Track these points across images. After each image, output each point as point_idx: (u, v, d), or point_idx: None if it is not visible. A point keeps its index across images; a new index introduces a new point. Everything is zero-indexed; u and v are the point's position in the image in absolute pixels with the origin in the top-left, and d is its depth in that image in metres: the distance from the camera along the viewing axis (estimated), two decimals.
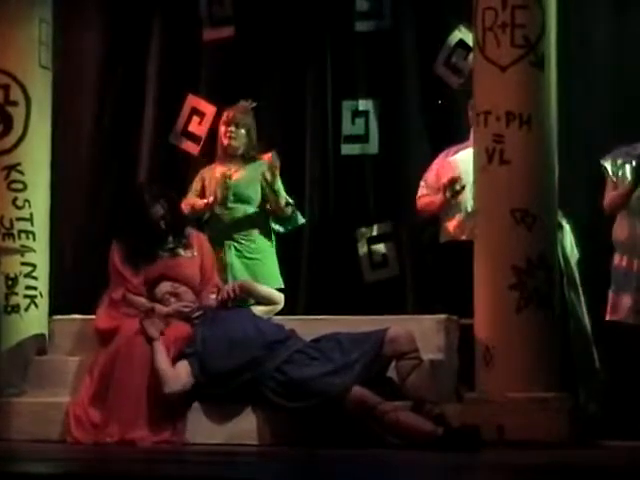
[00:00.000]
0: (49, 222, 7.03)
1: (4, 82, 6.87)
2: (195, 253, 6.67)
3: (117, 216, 7.26)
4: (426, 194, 7.04)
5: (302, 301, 7.58)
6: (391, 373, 5.95)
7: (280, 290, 6.94)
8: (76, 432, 6.14)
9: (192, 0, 8.05)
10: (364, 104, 7.88)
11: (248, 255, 7.06)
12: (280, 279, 7.14)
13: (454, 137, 7.59)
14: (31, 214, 6.86)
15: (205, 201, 7.03)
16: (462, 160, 6.92)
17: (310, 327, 6.31)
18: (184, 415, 6.10)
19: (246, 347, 6.08)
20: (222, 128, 7.21)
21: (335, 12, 7.91)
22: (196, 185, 7.24)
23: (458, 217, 6.97)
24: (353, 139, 7.86)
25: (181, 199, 7.30)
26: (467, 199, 6.86)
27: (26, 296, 6.81)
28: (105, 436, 6.04)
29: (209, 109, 7.98)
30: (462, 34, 7.60)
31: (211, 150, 7.70)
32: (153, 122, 8.17)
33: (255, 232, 7.11)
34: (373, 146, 7.87)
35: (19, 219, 6.82)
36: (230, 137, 7.15)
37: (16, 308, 6.78)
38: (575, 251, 6.70)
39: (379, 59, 7.92)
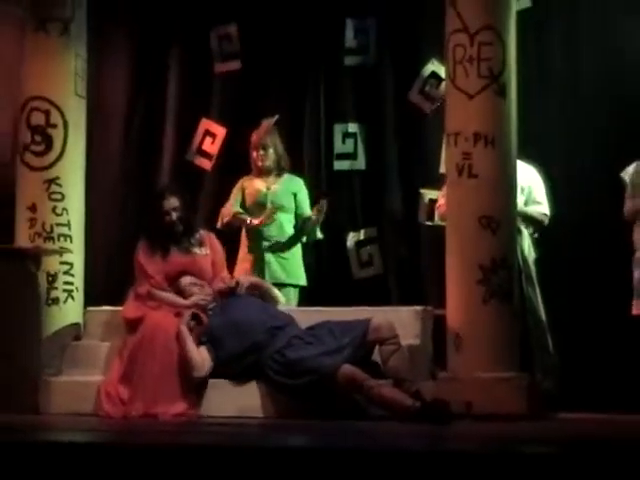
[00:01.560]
0: (84, 227, 7.01)
1: (45, 108, 6.84)
2: (208, 251, 6.62)
3: (141, 221, 7.24)
4: (444, 203, 6.89)
5: (300, 294, 7.54)
6: (375, 357, 5.93)
7: (302, 288, 7.01)
8: (106, 407, 6.11)
9: (205, 37, 8.02)
10: (353, 127, 7.87)
11: (282, 255, 7.03)
12: (305, 278, 7.14)
13: (426, 154, 7.62)
14: (68, 220, 6.84)
15: (254, 222, 6.98)
16: None
17: (307, 316, 6.29)
18: (199, 391, 6.08)
19: (251, 333, 6.04)
20: (253, 153, 7.13)
21: (327, 49, 7.90)
22: (237, 195, 7.16)
23: None
24: (344, 157, 7.85)
25: (195, 205, 7.31)
26: None
27: (64, 290, 6.80)
28: (132, 410, 6.02)
29: (220, 130, 7.98)
30: (434, 67, 7.59)
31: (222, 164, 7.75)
32: (172, 142, 8.16)
33: (287, 235, 7.08)
34: (361, 163, 7.86)
35: (58, 224, 6.80)
36: (262, 159, 7.09)
37: (56, 301, 6.76)
38: (532, 252, 6.69)
39: (364, 88, 7.91)
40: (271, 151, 7.12)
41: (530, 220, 6.81)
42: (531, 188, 6.87)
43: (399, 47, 7.88)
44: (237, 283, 6.39)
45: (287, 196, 7.12)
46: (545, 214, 6.87)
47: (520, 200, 6.63)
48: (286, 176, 7.18)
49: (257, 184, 7.13)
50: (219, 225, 7.17)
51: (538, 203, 6.87)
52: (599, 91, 7.44)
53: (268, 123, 7.21)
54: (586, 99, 7.45)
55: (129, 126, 8.28)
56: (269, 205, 7.03)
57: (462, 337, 6.14)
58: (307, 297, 7.53)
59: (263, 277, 6.91)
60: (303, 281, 7.15)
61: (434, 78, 7.61)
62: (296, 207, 7.14)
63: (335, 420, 5.39)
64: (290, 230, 7.13)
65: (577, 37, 7.56)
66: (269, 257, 7.03)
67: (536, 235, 6.87)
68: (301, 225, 7.12)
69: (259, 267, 6.99)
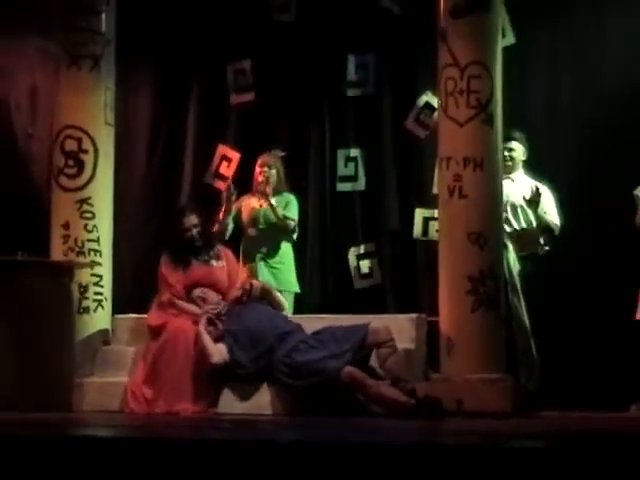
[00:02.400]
0: (112, 242, 7.01)
1: (78, 135, 6.85)
2: (224, 263, 6.63)
3: (164, 236, 7.25)
4: None
5: (306, 303, 7.55)
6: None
7: (295, 294, 6.95)
8: (132, 405, 6.14)
9: (222, 72, 8.04)
10: (354, 152, 7.88)
11: (273, 264, 7.03)
12: (297, 285, 7.12)
13: (420, 176, 7.63)
14: (98, 237, 6.84)
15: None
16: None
17: (312, 322, 6.29)
18: (216, 391, 6.09)
19: (262, 339, 6.05)
20: (257, 169, 7.16)
21: (331, 81, 7.92)
22: (233, 211, 7.15)
23: None
24: (346, 179, 7.86)
25: (213, 222, 7.32)
26: (509, 218, 6.82)
27: (94, 300, 6.80)
28: (155, 408, 6.04)
29: (235, 155, 7.98)
30: (428, 98, 7.60)
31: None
32: (192, 165, 8.18)
33: (278, 247, 7.07)
34: (361, 184, 7.87)
35: (89, 240, 6.80)
36: (264, 176, 7.10)
37: (87, 309, 6.76)
38: (517, 265, 6.69)
39: (365, 117, 7.93)
40: (273, 172, 7.12)
41: (545, 229, 6.84)
42: (543, 203, 6.89)
43: (396, 80, 7.91)
44: (251, 285, 6.40)
45: (277, 211, 7.05)
46: (556, 224, 6.89)
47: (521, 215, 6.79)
48: (280, 195, 7.15)
49: (252, 202, 7.14)
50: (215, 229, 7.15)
51: (549, 215, 6.89)
52: (575, 120, 7.47)
53: (277, 152, 7.23)
54: (563, 127, 7.48)
55: (153, 151, 8.30)
56: (260, 221, 7.04)
57: (453, 342, 6.14)
58: (313, 305, 7.56)
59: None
60: (295, 288, 7.11)
61: (428, 108, 7.61)
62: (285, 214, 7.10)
63: (338, 417, 5.39)
64: (281, 242, 7.10)
65: (555, 71, 7.61)
66: (261, 266, 7.02)
67: (547, 248, 6.87)
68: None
69: (254, 276, 6.96)
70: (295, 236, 7.21)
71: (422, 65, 7.49)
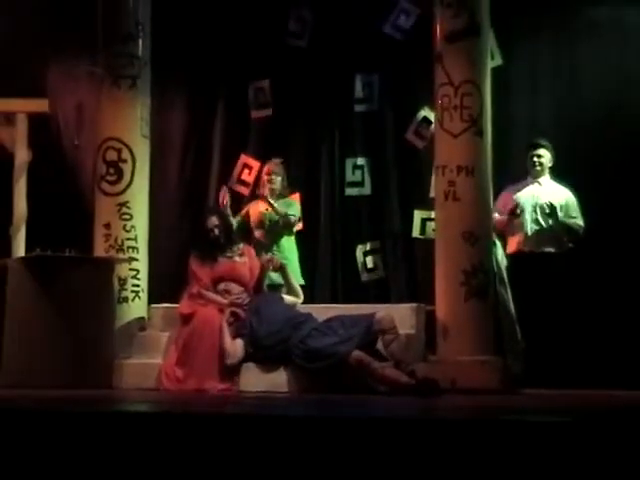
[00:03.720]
0: (148, 240, 7.01)
1: (118, 147, 6.86)
2: (246, 259, 6.62)
3: (194, 235, 7.25)
4: (498, 218, 6.87)
5: (318, 294, 7.55)
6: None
7: (301, 286, 6.90)
8: (165, 383, 6.13)
9: (244, 90, 8.04)
10: (361, 160, 7.86)
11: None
12: (301, 278, 7.07)
13: (419, 182, 7.61)
14: (136, 235, 6.85)
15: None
16: (521, 195, 6.90)
17: (323, 312, 6.27)
18: (239, 372, 6.09)
19: (279, 327, 6.05)
20: (265, 177, 7.16)
21: (341, 99, 7.89)
22: (242, 213, 7.21)
23: (519, 235, 6.87)
24: (353, 184, 7.83)
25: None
26: (527, 223, 6.82)
27: (132, 291, 6.81)
28: (185, 386, 6.03)
29: (255, 164, 7.96)
30: (426, 112, 7.57)
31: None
32: (217, 173, 8.16)
33: (283, 244, 7.04)
34: (367, 189, 7.84)
35: (127, 239, 6.81)
36: (271, 182, 7.09)
37: (125, 299, 6.77)
38: (504, 259, 6.66)
39: (370, 130, 7.91)
40: (278, 179, 7.10)
41: (568, 230, 6.82)
42: (567, 205, 6.86)
43: (398, 97, 7.88)
44: (281, 266, 6.41)
45: (282, 214, 7.03)
46: (580, 225, 6.86)
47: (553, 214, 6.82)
48: (283, 199, 7.14)
49: (260, 207, 7.11)
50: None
51: (573, 217, 6.86)
52: (557, 131, 7.46)
53: (279, 160, 7.23)
54: (544, 137, 7.45)
55: (183, 160, 8.29)
56: (267, 223, 7.04)
57: (448, 328, 6.13)
58: (324, 296, 7.54)
59: (268, 279, 6.82)
60: (300, 280, 6.99)
61: (425, 121, 7.59)
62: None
63: (347, 395, 5.38)
64: (285, 240, 7.07)
65: (537, 89, 7.60)
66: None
67: (571, 245, 6.85)
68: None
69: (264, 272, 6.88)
70: (294, 230, 7.16)
71: (420, 84, 7.45)
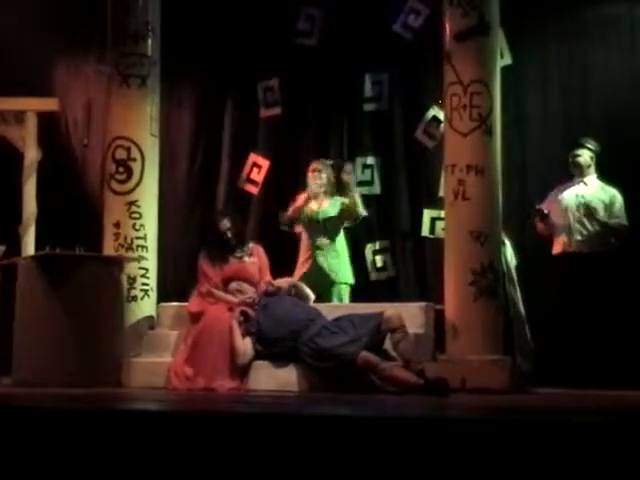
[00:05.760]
0: (157, 239, 7.01)
1: (127, 145, 6.86)
2: (255, 259, 6.62)
3: (203, 234, 7.26)
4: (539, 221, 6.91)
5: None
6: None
7: (350, 285, 6.98)
8: (174, 382, 6.13)
9: (253, 89, 8.04)
10: (371, 159, 7.86)
11: (332, 260, 6.98)
12: (352, 277, 7.07)
13: (428, 181, 7.61)
14: (145, 234, 6.84)
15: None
16: (566, 194, 6.86)
17: (332, 311, 6.27)
18: (248, 371, 6.08)
19: (288, 325, 6.04)
20: (309, 174, 7.12)
21: (350, 98, 7.91)
22: (299, 199, 7.11)
23: (564, 236, 6.82)
24: (363, 183, 7.83)
25: (246, 223, 7.31)
26: (571, 223, 6.77)
27: (141, 290, 6.80)
28: (194, 385, 6.04)
29: (264, 163, 7.98)
30: (435, 112, 7.58)
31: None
32: (227, 172, 8.18)
33: (334, 244, 7.02)
34: (376, 188, 7.85)
35: (137, 238, 6.79)
36: (315, 178, 7.06)
37: (135, 298, 6.76)
38: (514, 259, 6.65)
39: (380, 129, 7.91)
40: (324, 175, 7.07)
41: (612, 231, 6.77)
42: (613, 205, 6.82)
43: (407, 96, 7.89)
44: (278, 288, 6.39)
45: (332, 211, 7.02)
46: (625, 225, 6.80)
47: (600, 214, 6.77)
48: (332, 198, 7.10)
49: (312, 205, 7.06)
50: (286, 219, 7.16)
51: (617, 217, 6.81)
52: (563, 130, 7.46)
53: (325, 161, 7.24)
54: (553, 136, 7.47)
55: (193, 159, 8.31)
56: (320, 218, 6.98)
57: (457, 327, 6.11)
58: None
59: (319, 278, 6.87)
60: (351, 280, 7.05)
61: (435, 121, 7.59)
62: (339, 210, 7.02)
63: (355, 394, 5.38)
64: (337, 239, 7.04)
65: (546, 88, 7.60)
66: (322, 262, 6.95)
67: (617, 244, 6.78)
68: (343, 210, 7.02)
69: (315, 271, 6.93)
70: (342, 229, 7.13)
71: (430, 83, 7.46)
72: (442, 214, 6.82)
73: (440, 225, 7.22)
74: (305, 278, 6.84)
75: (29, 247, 7.66)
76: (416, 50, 7.68)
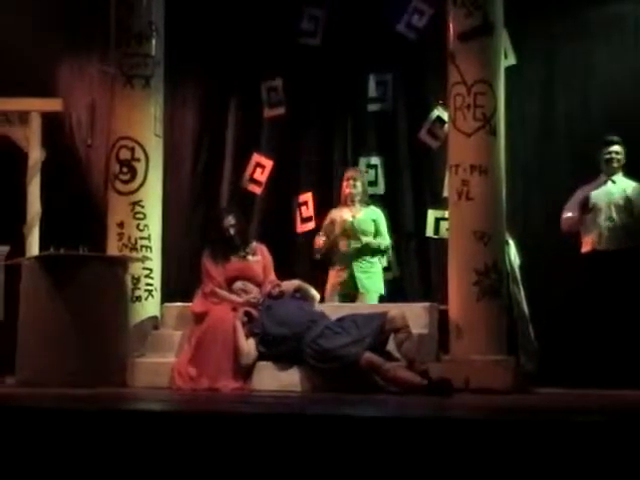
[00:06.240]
0: (161, 239, 7.01)
1: (131, 145, 6.86)
2: (259, 258, 6.61)
3: (206, 234, 7.26)
4: (569, 215, 6.88)
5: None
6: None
7: (380, 296, 7.03)
8: (178, 382, 6.13)
9: (256, 89, 8.04)
10: (374, 160, 7.86)
11: (368, 271, 7.01)
12: (383, 288, 7.11)
13: (432, 181, 7.61)
14: (149, 234, 6.84)
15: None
16: (595, 193, 6.82)
17: (336, 311, 6.27)
18: (252, 371, 6.09)
19: (291, 327, 6.03)
20: (344, 183, 7.14)
21: (354, 98, 7.91)
22: (329, 227, 7.11)
23: (593, 234, 6.79)
24: (367, 184, 7.83)
25: (248, 221, 7.30)
26: (600, 221, 6.75)
27: (145, 290, 6.80)
28: (198, 385, 6.04)
29: (268, 163, 7.98)
30: (439, 112, 7.58)
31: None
32: (230, 172, 8.18)
33: (370, 255, 7.05)
34: (380, 188, 7.84)
35: (141, 238, 6.80)
36: (350, 187, 7.07)
37: (139, 298, 6.76)
38: (517, 259, 6.64)
39: (384, 129, 7.92)
40: (359, 184, 7.08)
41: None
42: (637, 200, 6.80)
43: (411, 96, 7.89)
44: (283, 292, 6.38)
45: (368, 222, 7.06)
46: None
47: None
48: (368, 207, 7.14)
49: (344, 214, 7.07)
50: (317, 256, 7.10)
51: None
52: (567, 130, 7.46)
53: (358, 168, 7.34)
54: (557, 136, 7.47)
55: (196, 159, 8.31)
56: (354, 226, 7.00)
57: (461, 327, 6.11)
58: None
59: (356, 290, 6.96)
60: (382, 291, 7.11)
61: (439, 121, 7.59)
62: (375, 231, 7.08)
63: (359, 394, 5.37)
64: (372, 252, 7.06)
65: (550, 88, 7.61)
66: (359, 275, 6.99)
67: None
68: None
69: (351, 282, 6.98)
70: (388, 254, 7.19)
71: (434, 83, 7.46)
72: (446, 214, 6.82)
73: (444, 225, 7.22)
74: (339, 288, 6.96)
75: (33, 247, 7.67)
76: (420, 50, 7.68)
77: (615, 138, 6.82)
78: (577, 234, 6.93)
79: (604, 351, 6.51)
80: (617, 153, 6.84)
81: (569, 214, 6.88)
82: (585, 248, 6.85)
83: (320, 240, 7.04)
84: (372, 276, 7.05)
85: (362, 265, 7.02)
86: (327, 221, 7.18)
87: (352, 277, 7.01)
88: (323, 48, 7.88)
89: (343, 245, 7.06)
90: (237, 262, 6.53)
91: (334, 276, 7.10)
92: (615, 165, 6.83)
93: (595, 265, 6.72)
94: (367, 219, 7.10)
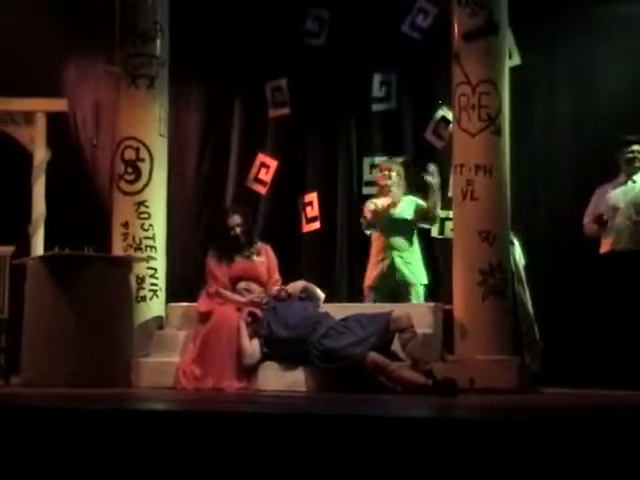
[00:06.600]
0: (166, 239, 7.00)
1: (136, 146, 6.86)
2: (263, 258, 6.61)
3: (211, 234, 7.26)
4: (587, 221, 6.85)
5: (336, 293, 7.54)
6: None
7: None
8: (183, 382, 6.14)
9: (261, 89, 8.06)
10: (378, 160, 7.85)
11: (408, 261, 6.87)
12: (426, 278, 6.98)
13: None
14: (154, 234, 6.84)
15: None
16: (614, 194, 6.76)
17: (341, 311, 6.25)
18: (256, 371, 6.09)
19: (296, 329, 6.03)
20: (379, 174, 7.03)
21: (358, 98, 7.94)
22: (370, 204, 6.96)
23: (611, 236, 6.70)
24: (370, 184, 7.81)
25: (253, 221, 7.30)
26: (620, 221, 6.68)
27: (150, 290, 6.79)
28: (203, 385, 6.04)
29: (273, 163, 7.99)
30: (444, 112, 7.58)
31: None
32: (235, 172, 8.19)
33: (410, 244, 6.91)
34: None
35: (145, 238, 6.79)
36: (384, 178, 6.95)
37: (143, 298, 6.75)
38: (522, 259, 6.64)
39: (388, 129, 7.93)
40: (393, 174, 6.94)
41: None
42: None
43: (415, 96, 7.90)
44: (289, 295, 6.38)
45: (408, 211, 6.90)
46: None
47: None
48: (406, 196, 6.98)
49: (383, 202, 6.92)
50: (365, 221, 6.96)
51: None
52: (572, 130, 7.46)
53: (396, 159, 7.19)
54: (562, 136, 7.47)
55: (201, 159, 8.32)
56: (394, 218, 6.83)
57: (466, 327, 6.10)
58: (342, 294, 7.53)
59: (395, 279, 6.81)
60: (426, 280, 6.96)
61: (444, 121, 7.59)
62: (415, 211, 6.91)
63: (363, 394, 5.38)
64: (412, 239, 6.93)
65: (554, 88, 7.60)
66: (399, 263, 6.83)
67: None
68: (420, 214, 6.91)
69: (391, 271, 6.82)
70: (415, 230, 6.98)
71: (438, 83, 7.45)
72: (451, 214, 6.81)
73: (449, 225, 7.22)
74: (380, 279, 6.81)
75: (38, 247, 7.68)
76: (424, 50, 7.67)
77: (634, 137, 6.78)
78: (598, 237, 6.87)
79: (609, 351, 6.50)
80: (639, 152, 6.79)
81: (586, 221, 6.82)
82: (604, 249, 6.77)
83: (368, 210, 6.87)
84: (414, 266, 6.84)
85: (403, 255, 6.87)
86: (368, 208, 6.97)
87: (392, 267, 6.84)
88: (327, 48, 7.89)
89: (381, 230, 6.84)
90: (242, 262, 6.53)
91: (372, 268, 6.94)
92: (637, 165, 6.77)
93: (614, 265, 6.64)
94: (407, 208, 6.91)
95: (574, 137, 7.39)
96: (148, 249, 6.81)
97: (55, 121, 8.03)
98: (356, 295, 7.41)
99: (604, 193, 6.84)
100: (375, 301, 6.78)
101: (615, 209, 6.72)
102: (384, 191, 6.97)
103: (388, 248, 6.89)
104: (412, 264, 6.87)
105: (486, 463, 3.01)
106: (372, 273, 6.93)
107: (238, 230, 6.54)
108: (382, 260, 6.89)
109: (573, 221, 7.00)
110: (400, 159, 7.20)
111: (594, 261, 6.82)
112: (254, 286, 6.44)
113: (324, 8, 7.91)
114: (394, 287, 6.83)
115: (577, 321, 6.82)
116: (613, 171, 6.89)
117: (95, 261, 6.25)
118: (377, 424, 3.24)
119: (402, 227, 6.89)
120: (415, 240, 6.96)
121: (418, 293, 6.87)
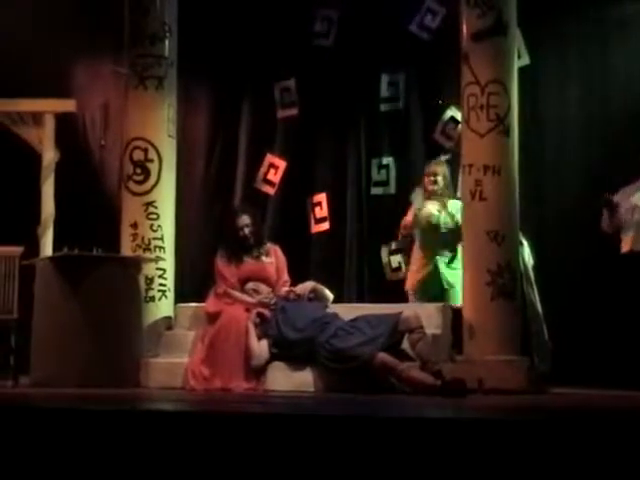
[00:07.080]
0: (174, 240, 7.01)
1: (144, 146, 6.87)
2: (272, 259, 6.59)
3: (220, 234, 7.26)
4: (605, 218, 6.78)
5: (345, 293, 7.54)
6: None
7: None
8: (192, 382, 6.14)
9: (269, 89, 8.06)
10: (386, 160, 7.87)
11: (453, 266, 6.81)
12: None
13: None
14: (162, 235, 6.85)
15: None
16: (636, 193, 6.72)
17: (349, 311, 6.25)
18: (265, 372, 6.08)
19: (305, 327, 6.02)
20: (425, 179, 6.96)
21: (366, 98, 7.93)
22: (414, 219, 6.91)
23: (632, 235, 6.65)
24: (379, 184, 7.84)
25: (262, 222, 7.30)
26: (638, 219, 6.62)
27: (159, 290, 6.80)
28: (211, 385, 6.04)
29: (281, 164, 7.99)
30: (453, 112, 7.56)
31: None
32: (243, 172, 8.20)
33: (456, 250, 6.81)
34: (392, 188, 7.85)
35: (154, 238, 6.80)
36: (431, 183, 6.90)
37: (152, 298, 6.76)
38: (531, 259, 6.63)
39: (396, 130, 7.92)
40: (440, 178, 6.89)
41: None
42: None
43: (424, 96, 7.89)
44: (299, 296, 6.35)
45: (453, 217, 6.82)
46: None
47: None
48: (451, 201, 6.92)
49: (430, 208, 6.87)
50: (401, 233, 6.97)
51: None
52: (581, 130, 7.44)
53: (441, 158, 7.09)
54: (571, 136, 7.45)
55: (209, 159, 8.34)
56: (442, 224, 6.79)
57: (475, 328, 6.10)
58: (351, 294, 7.53)
59: (439, 284, 6.77)
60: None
61: (452, 121, 7.58)
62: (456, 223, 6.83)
63: (372, 395, 5.37)
64: (456, 245, 6.81)
65: (563, 88, 7.59)
66: (443, 268, 6.80)
67: None
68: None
69: (435, 276, 6.78)
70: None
71: (447, 83, 7.45)
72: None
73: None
74: (422, 285, 6.79)
75: (47, 248, 7.70)
76: (433, 50, 7.67)
77: None
78: (617, 233, 6.80)
79: (618, 351, 6.49)
80: None
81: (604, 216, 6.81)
82: (625, 248, 6.69)
83: (408, 219, 6.82)
84: (457, 272, 6.69)
85: (449, 259, 6.80)
86: (409, 217, 6.95)
87: (436, 272, 6.79)
88: (336, 49, 7.89)
89: (425, 242, 6.78)
90: (250, 263, 6.52)
91: (415, 272, 6.90)
92: None
93: (634, 265, 6.58)
94: (451, 214, 6.85)
95: (583, 137, 7.38)
96: (157, 249, 6.82)
97: (64, 122, 8.04)
98: (365, 295, 7.41)
99: (628, 192, 6.75)
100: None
101: (635, 208, 6.69)
102: (431, 196, 6.89)
103: (430, 254, 6.84)
104: (457, 270, 6.70)
105: (495, 463, 3.01)
106: (413, 279, 6.89)
107: (247, 231, 6.53)
108: (424, 266, 6.85)
109: (582, 221, 6.99)
110: (444, 157, 7.10)
111: (604, 261, 6.81)
112: (263, 287, 6.44)
113: (332, 9, 7.91)
114: (437, 293, 6.77)
115: (586, 321, 6.81)
116: (623, 171, 6.89)
117: (104, 261, 6.26)
118: (386, 425, 3.24)
119: (447, 232, 6.84)
120: (459, 244, 6.78)
121: (456, 298, 6.74)
